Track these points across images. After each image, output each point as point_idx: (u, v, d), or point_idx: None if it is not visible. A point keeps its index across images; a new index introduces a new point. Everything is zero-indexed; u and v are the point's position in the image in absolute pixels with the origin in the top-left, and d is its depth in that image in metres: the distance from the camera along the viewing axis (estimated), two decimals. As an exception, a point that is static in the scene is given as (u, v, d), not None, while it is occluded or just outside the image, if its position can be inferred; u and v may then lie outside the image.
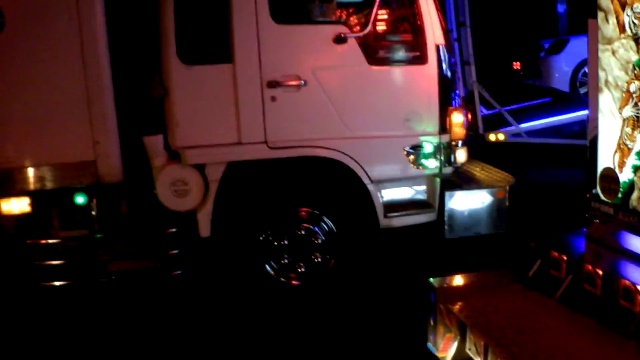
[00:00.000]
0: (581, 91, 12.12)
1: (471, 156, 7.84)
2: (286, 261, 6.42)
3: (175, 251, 6.48)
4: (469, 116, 10.96)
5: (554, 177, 11.10)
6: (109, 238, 6.46)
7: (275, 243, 6.39)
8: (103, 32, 6.10)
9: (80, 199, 6.38)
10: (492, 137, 11.12)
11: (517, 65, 14.43)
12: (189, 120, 6.13)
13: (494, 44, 13.79)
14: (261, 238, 6.36)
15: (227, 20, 6.05)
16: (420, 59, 6.33)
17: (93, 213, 6.40)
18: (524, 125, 11.43)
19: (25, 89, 6.11)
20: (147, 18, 6.19)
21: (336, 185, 6.40)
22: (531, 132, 11.49)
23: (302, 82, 6.14)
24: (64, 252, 6.48)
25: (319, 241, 6.41)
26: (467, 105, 11.01)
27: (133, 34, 6.28)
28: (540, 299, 4.75)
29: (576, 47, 12.45)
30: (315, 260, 6.43)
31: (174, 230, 6.46)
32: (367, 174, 6.33)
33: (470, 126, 10.85)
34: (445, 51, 6.40)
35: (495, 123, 11.59)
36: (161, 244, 6.47)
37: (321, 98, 6.20)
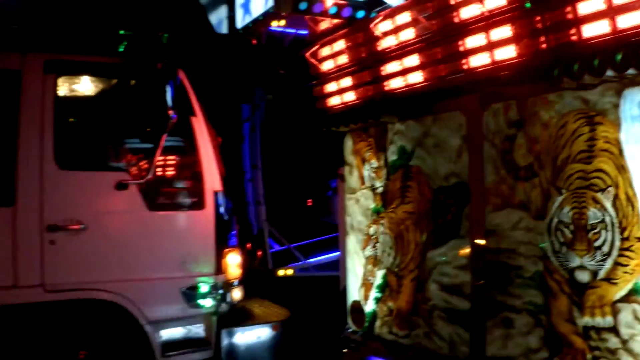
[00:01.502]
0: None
1: (261, 293, 8.25)
2: (63, 406, 6.29)
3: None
4: (259, 253, 11.50)
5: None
6: None
7: (54, 387, 6.26)
8: None
9: None
10: (281, 272, 11.51)
11: (310, 202, 15.21)
12: None
13: (288, 184, 14.58)
14: (38, 382, 6.23)
15: (13, 164, 6.10)
16: (198, 204, 6.63)
17: None
18: (312, 260, 11.92)
19: None
20: None
21: (114, 327, 6.39)
22: (320, 266, 11.86)
23: (82, 226, 6.21)
24: None
25: (97, 384, 6.35)
26: (259, 243, 11.56)
27: None
28: None
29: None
30: (92, 403, 6.35)
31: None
32: (144, 314, 6.38)
33: (260, 263, 11.35)
34: (222, 196, 6.74)
35: (287, 259, 12.03)
36: None
37: (100, 242, 6.30)
